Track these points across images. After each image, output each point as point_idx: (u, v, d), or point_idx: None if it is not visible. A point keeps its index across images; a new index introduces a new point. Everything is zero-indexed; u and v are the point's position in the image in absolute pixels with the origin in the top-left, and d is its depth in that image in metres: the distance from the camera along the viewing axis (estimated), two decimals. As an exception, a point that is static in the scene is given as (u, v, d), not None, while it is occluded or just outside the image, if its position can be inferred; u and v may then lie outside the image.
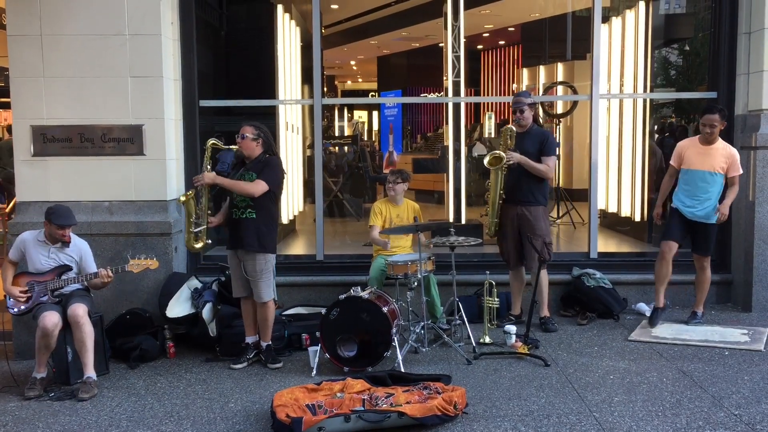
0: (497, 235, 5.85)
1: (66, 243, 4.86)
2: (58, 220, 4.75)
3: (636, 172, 7.95)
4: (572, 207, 9.16)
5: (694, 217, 5.52)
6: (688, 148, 5.60)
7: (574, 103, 10.22)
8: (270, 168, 5.00)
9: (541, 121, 5.93)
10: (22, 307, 4.81)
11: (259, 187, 4.89)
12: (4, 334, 5.51)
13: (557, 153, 5.78)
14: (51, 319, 4.62)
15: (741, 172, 5.51)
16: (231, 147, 5.04)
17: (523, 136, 5.66)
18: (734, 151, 5.50)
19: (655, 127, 9.78)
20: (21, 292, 4.80)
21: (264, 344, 5.17)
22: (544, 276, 5.74)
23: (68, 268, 4.89)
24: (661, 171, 8.28)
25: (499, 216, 5.75)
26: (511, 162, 5.51)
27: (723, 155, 5.45)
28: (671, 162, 5.71)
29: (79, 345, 4.69)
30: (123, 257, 4.95)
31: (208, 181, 4.94)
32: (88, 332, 4.66)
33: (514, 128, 5.63)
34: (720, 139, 5.52)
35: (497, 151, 5.59)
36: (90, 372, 4.66)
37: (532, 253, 5.54)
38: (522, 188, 5.64)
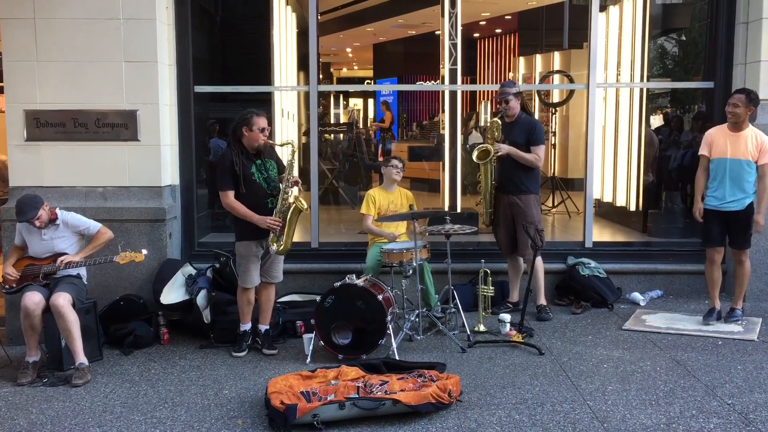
0: (492, 224, 5.88)
1: (53, 221, 4.84)
2: (18, 216, 4.75)
3: (632, 162, 7.94)
4: (567, 196, 9.16)
5: (729, 208, 5.27)
6: (716, 136, 5.37)
7: (571, 92, 10.19)
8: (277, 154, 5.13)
9: (530, 109, 5.91)
10: (14, 286, 4.83)
11: None
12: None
13: (546, 141, 5.77)
14: (32, 298, 4.62)
15: None
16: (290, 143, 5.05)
17: (512, 125, 5.69)
18: (765, 138, 5.25)
19: (651, 116, 9.78)
20: (14, 272, 4.81)
21: (263, 328, 5.17)
22: (539, 264, 5.75)
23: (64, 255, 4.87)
24: (657, 160, 8.30)
25: (493, 205, 5.78)
26: (499, 153, 5.54)
27: (753, 141, 5.21)
28: (702, 152, 5.43)
29: (65, 334, 4.66)
30: (114, 248, 4.93)
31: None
32: (72, 320, 4.62)
33: (499, 121, 5.65)
34: (750, 124, 5.31)
35: (484, 145, 5.63)
36: (81, 358, 4.65)
37: (524, 240, 5.55)
38: (512, 178, 5.66)
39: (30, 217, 4.69)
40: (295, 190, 4.97)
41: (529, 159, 5.60)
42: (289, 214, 4.85)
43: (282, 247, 4.91)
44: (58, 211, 4.89)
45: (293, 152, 4.94)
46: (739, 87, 6.16)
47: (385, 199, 5.71)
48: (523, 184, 5.66)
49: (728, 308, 5.59)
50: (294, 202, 4.85)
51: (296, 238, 7.06)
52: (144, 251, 4.93)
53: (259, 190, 4.91)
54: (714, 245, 5.45)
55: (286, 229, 4.88)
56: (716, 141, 5.36)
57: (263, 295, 5.17)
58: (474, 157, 5.64)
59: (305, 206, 4.88)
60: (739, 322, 5.47)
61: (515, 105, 5.66)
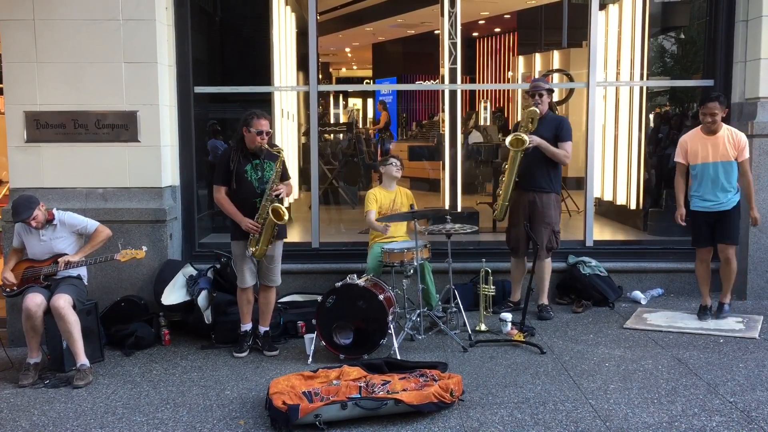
0: (507, 221, 5.81)
1: (50, 222, 4.84)
2: (14, 216, 4.76)
3: (631, 161, 7.95)
4: (568, 195, 9.16)
5: (721, 208, 5.33)
6: (692, 142, 5.40)
7: (570, 91, 10.19)
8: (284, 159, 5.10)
9: (555, 108, 5.86)
10: (14, 289, 4.83)
11: (292, 185, 5.24)
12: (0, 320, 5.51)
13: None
14: (33, 300, 4.62)
15: (748, 156, 5.31)
16: (279, 151, 4.96)
17: (540, 121, 5.59)
18: (741, 135, 5.31)
19: (651, 115, 9.78)
20: (15, 276, 4.81)
21: (263, 330, 5.17)
22: (548, 264, 5.75)
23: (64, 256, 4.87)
24: (653, 158, 8.29)
25: (509, 201, 5.69)
26: (531, 144, 5.44)
27: (730, 141, 5.26)
28: (678, 159, 5.49)
29: (66, 335, 4.66)
30: (114, 247, 4.94)
31: (287, 193, 4.97)
32: (72, 322, 4.62)
33: (537, 111, 5.49)
34: (723, 124, 5.34)
35: (520, 133, 5.47)
36: (82, 360, 4.65)
37: (540, 239, 5.54)
38: (535, 174, 5.58)
39: (25, 217, 4.70)
40: (284, 198, 4.94)
41: (558, 154, 5.54)
42: (266, 222, 4.84)
43: (257, 252, 4.90)
44: (55, 211, 4.89)
45: (281, 161, 4.91)
46: (739, 85, 6.19)
47: (386, 198, 5.70)
48: (545, 181, 5.61)
49: (716, 304, 5.64)
50: (270, 214, 4.79)
51: (296, 238, 7.11)
52: (144, 248, 4.94)
53: (249, 188, 4.91)
54: (705, 245, 5.53)
55: (262, 236, 4.87)
56: (693, 147, 5.39)
57: (262, 297, 5.17)
58: (507, 143, 5.49)
59: (284, 218, 4.83)
60: (740, 321, 5.48)
61: (547, 101, 5.62)
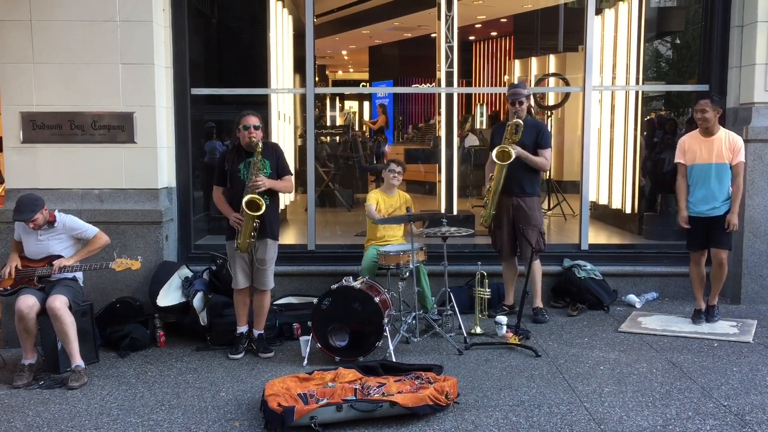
0: (491, 227, 5.85)
1: (50, 224, 4.83)
2: (15, 213, 4.73)
3: (627, 165, 7.98)
4: (563, 199, 9.18)
5: (714, 213, 5.35)
6: (690, 143, 5.43)
7: (566, 95, 10.22)
8: (283, 156, 5.13)
9: (533, 112, 5.89)
10: (8, 287, 4.82)
11: (292, 181, 5.22)
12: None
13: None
14: (26, 301, 4.61)
15: (743, 160, 5.35)
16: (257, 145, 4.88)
17: None
18: (737, 138, 5.35)
19: (646, 118, 9.82)
20: (15, 270, 4.81)
21: (257, 333, 5.17)
22: (538, 267, 5.77)
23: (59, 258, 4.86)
24: (650, 162, 8.33)
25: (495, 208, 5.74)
26: (514, 155, 5.46)
27: (726, 144, 5.30)
28: (678, 160, 5.49)
29: (61, 336, 4.66)
30: (109, 254, 4.94)
31: (269, 186, 4.90)
32: (68, 323, 4.61)
33: (521, 122, 5.51)
34: (721, 127, 5.39)
35: (507, 147, 5.49)
36: (77, 361, 4.64)
37: (526, 243, 5.56)
38: (517, 180, 5.62)
39: (25, 218, 4.69)
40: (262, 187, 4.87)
41: (538, 162, 5.59)
42: (245, 215, 4.85)
43: (240, 244, 4.92)
44: (56, 213, 4.88)
45: (257, 153, 4.86)
46: (734, 90, 6.22)
47: (385, 203, 5.72)
48: (527, 186, 5.65)
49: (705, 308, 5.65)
50: (243, 205, 4.80)
51: (292, 240, 7.12)
52: (140, 258, 4.93)
53: (240, 185, 4.94)
54: (699, 249, 5.55)
55: (243, 228, 4.89)
56: (691, 148, 5.42)
57: (255, 300, 5.16)
58: (494, 156, 5.50)
59: (259, 210, 4.78)
60: (734, 325, 5.50)
61: (526, 107, 5.63)
